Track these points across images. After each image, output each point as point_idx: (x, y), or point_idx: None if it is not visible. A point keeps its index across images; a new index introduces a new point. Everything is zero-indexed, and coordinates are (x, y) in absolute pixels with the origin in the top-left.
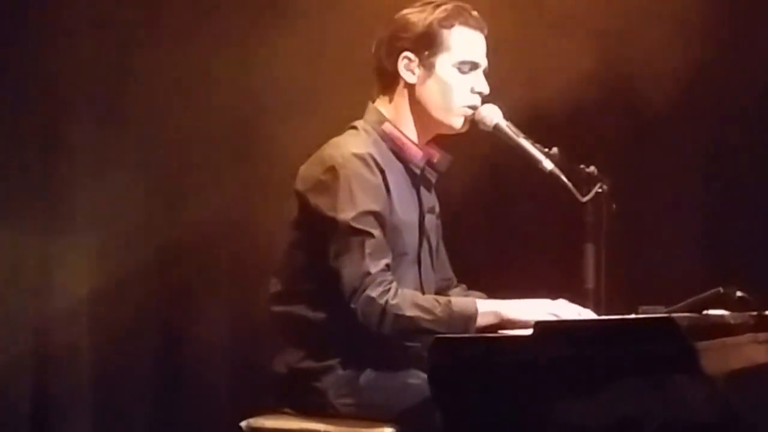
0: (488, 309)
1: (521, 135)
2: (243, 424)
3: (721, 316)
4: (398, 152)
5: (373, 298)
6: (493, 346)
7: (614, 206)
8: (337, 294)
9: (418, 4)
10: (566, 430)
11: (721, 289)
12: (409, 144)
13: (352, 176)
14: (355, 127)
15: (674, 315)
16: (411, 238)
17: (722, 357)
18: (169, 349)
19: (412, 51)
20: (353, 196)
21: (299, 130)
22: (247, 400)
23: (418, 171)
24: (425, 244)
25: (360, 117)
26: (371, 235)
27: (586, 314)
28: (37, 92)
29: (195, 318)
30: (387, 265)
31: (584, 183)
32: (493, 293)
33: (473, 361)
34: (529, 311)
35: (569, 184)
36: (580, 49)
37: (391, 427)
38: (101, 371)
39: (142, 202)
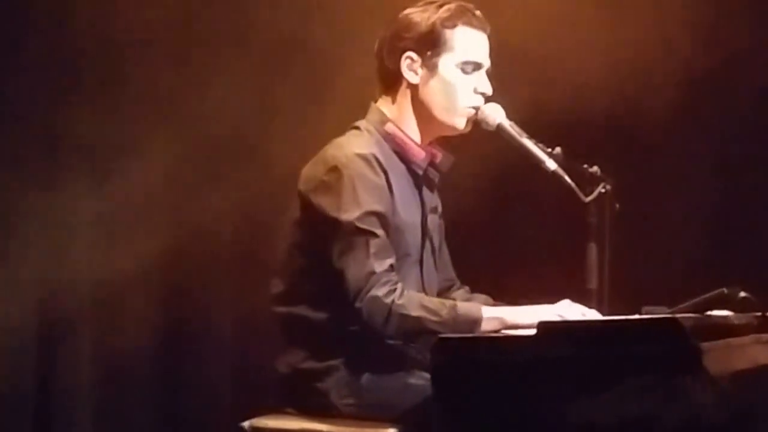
0: (493, 315)
1: (524, 135)
2: (245, 424)
3: (725, 317)
4: (401, 153)
5: (378, 298)
6: (496, 347)
7: (617, 206)
8: (339, 294)
9: (420, 3)
10: (569, 430)
11: (725, 290)
12: (412, 144)
13: (356, 176)
14: (357, 128)
15: (678, 315)
16: (413, 238)
17: (726, 358)
18: (171, 349)
19: (414, 51)
20: (357, 196)
21: (301, 130)
22: (249, 400)
23: (420, 171)
24: (428, 245)
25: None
26: (375, 235)
27: (591, 315)
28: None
29: (197, 318)
30: (391, 266)
31: (587, 183)
32: (495, 294)
33: (476, 361)
34: (535, 317)
35: (572, 184)
36: (583, 49)
37: (393, 427)
38: (103, 371)
39: (145, 201)
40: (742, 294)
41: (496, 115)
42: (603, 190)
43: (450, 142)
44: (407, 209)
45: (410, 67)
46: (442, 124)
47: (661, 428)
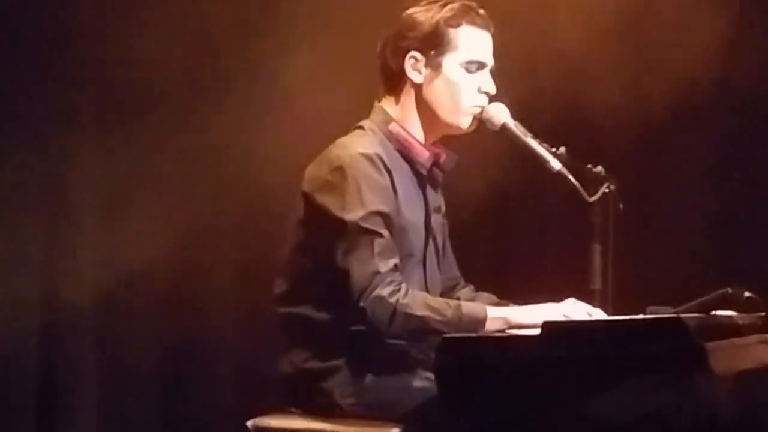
0: (497, 315)
1: (529, 134)
2: (249, 423)
3: (730, 317)
4: (405, 152)
5: (383, 297)
6: (500, 346)
7: (621, 206)
8: (343, 294)
9: (423, 2)
10: (574, 430)
11: (730, 290)
12: (416, 144)
13: (361, 176)
14: (361, 127)
15: (683, 315)
16: (417, 239)
17: (730, 358)
18: (175, 349)
19: (418, 50)
20: (362, 196)
21: (304, 134)
22: (252, 400)
23: (424, 171)
24: (431, 245)
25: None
26: (380, 235)
27: (597, 314)
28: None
29: (201, 318)
30: (395, 266)
31: (591, 183)
32: (499, 294)
33: (481, 360)
34: (539, 316)
35: (577, 184)
36: (587, 48)
37: (396, 427)
38: (107, 372)
39: (147, 201)
40: (747, 294)
41: (500, 114)
42: (607, 190)
43: (454, 141)
44: (411, 209)
45: (414, 67)
46: (446, 124)
47: (665, 428)
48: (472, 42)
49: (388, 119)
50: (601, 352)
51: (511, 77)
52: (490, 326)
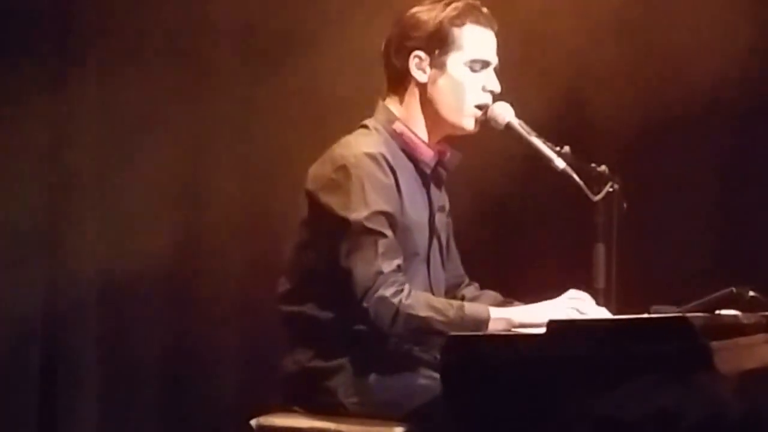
0: (501, 315)
1: (533, 133)
2: (252, 422)
3: (734, 316)
4: (409, 152)
5: (386, 297)
6: (505, 345)
7: (625, 205)
8: (346, 293)
9: (427, 2)
10: (578, 429)
11: (734, 289)
12: (420, 143)
13: (365, 176)
14: (365, 126)
15: (688, 314)
16: (421, 238)
17: (735, 357)
18: (178, 347)
19: (423, 50)
20: (366, 195)
21: (308, 133)
22: (256, 399)
23: (428, 170)
24: (435, 244)
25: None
26: (384, 235)
27: (601, 313)
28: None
29: (204, 316)
30: (399, 266)
31: (595, 182)
32: (503, 292)
33: (486, 359)
34: (543, 316)
35: (581, 183)
36: (591, 47)
37: (400, 426)
38: (109, 370)
39: (150, 200)
40: (751, 293)
41: (505, 114)
42: (611, 189)
43: (458, 139)
44: (415, 208)
45: (419, 66)
46: (450, 124)
47: (671, 427)
48: (477, 41)
49: (393, 118)
50: (605, 351)
51: (514, 77)
52: (493, 327)
